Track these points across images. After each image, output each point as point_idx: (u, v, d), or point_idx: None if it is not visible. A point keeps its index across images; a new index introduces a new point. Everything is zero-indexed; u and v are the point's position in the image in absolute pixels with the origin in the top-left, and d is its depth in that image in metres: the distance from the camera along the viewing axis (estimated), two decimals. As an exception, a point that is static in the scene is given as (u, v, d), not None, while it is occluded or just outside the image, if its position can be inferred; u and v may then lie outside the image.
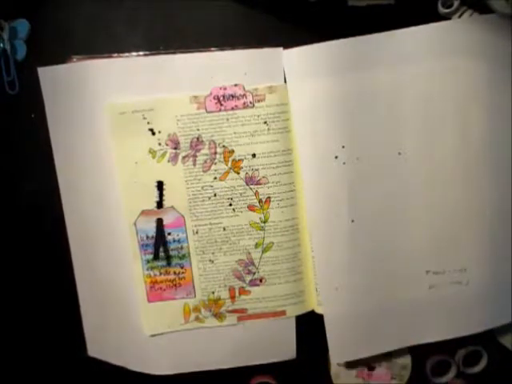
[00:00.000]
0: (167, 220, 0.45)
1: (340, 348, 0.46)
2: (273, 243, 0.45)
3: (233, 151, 0.43)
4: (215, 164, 0.44)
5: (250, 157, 0.44)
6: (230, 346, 0.47)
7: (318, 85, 0.42)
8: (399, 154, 0.44)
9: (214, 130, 0.43)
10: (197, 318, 0.47)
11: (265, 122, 0.43)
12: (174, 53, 0.43)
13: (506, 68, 0.43)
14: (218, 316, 0.47)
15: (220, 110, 0.43)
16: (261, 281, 0.46)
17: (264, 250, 0.45)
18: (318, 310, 0.47)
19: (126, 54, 0.43)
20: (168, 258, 0.45)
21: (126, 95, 0.42)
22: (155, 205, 0.44)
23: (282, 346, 0.47)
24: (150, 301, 0.46)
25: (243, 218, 0.45)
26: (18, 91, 0.43)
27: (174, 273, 0.46)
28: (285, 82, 0.43)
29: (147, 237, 0.45)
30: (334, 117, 0.43)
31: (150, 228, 0.45)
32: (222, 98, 0.43)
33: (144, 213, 0.44)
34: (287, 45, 0.42)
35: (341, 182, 0.44)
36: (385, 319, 0.46)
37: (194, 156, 0.43)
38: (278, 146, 0.44)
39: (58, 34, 0.43)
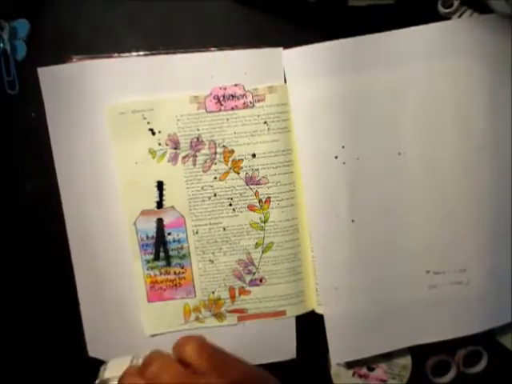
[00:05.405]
0: (167, 220, 0.45)
1: (340, 348, 0.46)
2: (273, 243, 0.45)
3: (233, 151, 0.43)
4: (215, 164, 0.44)
5: (250, 157, 0.44)
6: (230, 346, 0.47)
7: (318, 85, 0.42)
8: (399, 154, 0.44)
9: (214, 130, 0.43)
10: (197, 318, 0.47)
11: (265, 122, 0.43)
12: (173, 53, 0.42)
13: (506, 68, 0.43)
14: (218, 316, 0.47)
15: (220, 110, 0.43)
16: (261, 281, 0.46)
17: (264, 250, 0.45)
18: (318, 310, 0.47)
19: (126, 54, 0.43)
20: (168, 258, 0.45)
21: (126, 95, 0.42)
22: (155, 205, 0.44)
23: (281, 346, 0.47)
24: (150, 301, 0.46)
25: (243, 217, 0.45)
26: (18, 91, 0.43)
27: (174, 273, 0.46)
28: (285, 82, 0.43)
29: (147, 237, 0.45)
30: (334, 117, 0.43)
31: (150, 228, 0.45)
32: (222, 98, 0.43)
33: (144, 213, 0.44)
34: (287, 45, 0.42)
35: (341, 182, 0.44)
36: (385, 319, 0.46)
37: (194, 156, 0.43)
38: (278, 146, 0.44)
39: (57, 34, 0.43)
